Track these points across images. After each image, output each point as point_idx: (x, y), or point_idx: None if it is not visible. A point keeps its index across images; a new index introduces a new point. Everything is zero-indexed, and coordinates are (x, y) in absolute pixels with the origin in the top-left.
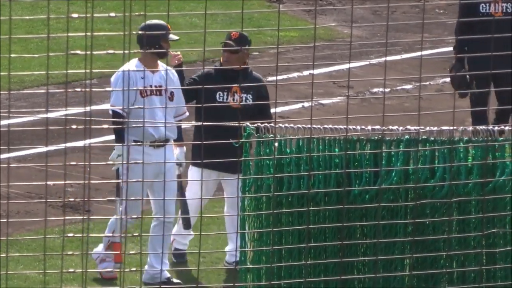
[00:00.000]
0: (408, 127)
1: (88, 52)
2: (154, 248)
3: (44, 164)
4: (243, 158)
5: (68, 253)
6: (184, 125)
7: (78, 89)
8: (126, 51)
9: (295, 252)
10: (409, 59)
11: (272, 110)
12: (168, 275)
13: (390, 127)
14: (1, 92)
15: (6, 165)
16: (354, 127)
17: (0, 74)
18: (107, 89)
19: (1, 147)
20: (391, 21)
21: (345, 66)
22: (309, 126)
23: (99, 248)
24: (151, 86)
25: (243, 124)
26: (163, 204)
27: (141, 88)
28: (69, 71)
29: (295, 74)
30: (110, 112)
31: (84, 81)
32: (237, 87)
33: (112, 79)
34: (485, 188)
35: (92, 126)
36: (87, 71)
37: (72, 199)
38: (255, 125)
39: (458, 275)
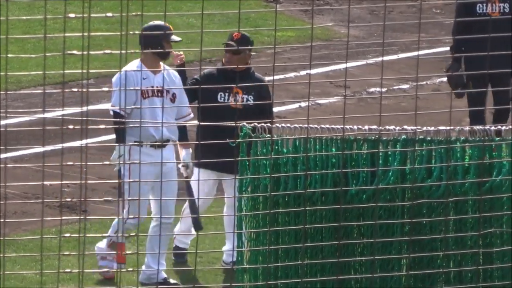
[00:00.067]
0: (405, 127)
1: (85, 52)
2: (152, 248)
3: (41, 164)
4: (240, 158)
5: (65, 253)
6: (185, 125)
7: (75, 89)
8: (123, 51)
9: (292, 252)
10: (406, 58)
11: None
12: (165, 275)
13: (387, 127)
14: None
15: (2, 165)
16: (351, 126)
17: None
18: (104, 89)
19: None
20: (388, 21)
21: (342, 66)
22: (306, 126)
23: (103, 245)
24: (152, 87)
25: (241, 124)
26: (164, 205)
27: (142, 88)
28: (66, 71)
29: (292, 74)
30: (111, 112)
31: (81, 81)
32: (239, 88)
33: (114, 79)
34: (482, 187)
35: (89, 126)
36: (84, 71)
37: (68, 199)
38: (252, 125)
39: (455, 275)
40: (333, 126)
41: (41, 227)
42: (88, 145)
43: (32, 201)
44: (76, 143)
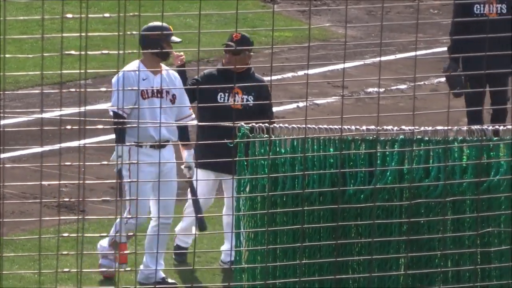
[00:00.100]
0: (403, 127)
1: (83, 53)
2: (151, 248)
3: (39, 164)
4: (238, 158)
5: (63, 253)
6: (186, 126)
7: (73, 90)
8: (121, 52)
9: (290, 252)
10: (403, 59)
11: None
12: (163, 275)
13: (385, 127)
14: None
15: (1, 165)
16: (348, 127)
17: None
18: (102, 89)
19: None
20: (385, 21)
21: (340, 66)
22: (304, 126)
23: (105, 243)
24: (152, 88)
25: (239, 125)
26: (163, 205)
27: (142, 89)
28: (63, 72)
29: (290, 74)
30: (111, 113)
31: (79, 81)
32: (239, 89)
33: (113, 80)
34: (480, 187)
35: (87, 127)
36: (82, 71)
37: (67, 199)
38: (250, 125)
39: (452, 275)
40: (331, 126)
41: (39, 227)
42: (86, 145)
43: (30, 201)
44: (74, 143)
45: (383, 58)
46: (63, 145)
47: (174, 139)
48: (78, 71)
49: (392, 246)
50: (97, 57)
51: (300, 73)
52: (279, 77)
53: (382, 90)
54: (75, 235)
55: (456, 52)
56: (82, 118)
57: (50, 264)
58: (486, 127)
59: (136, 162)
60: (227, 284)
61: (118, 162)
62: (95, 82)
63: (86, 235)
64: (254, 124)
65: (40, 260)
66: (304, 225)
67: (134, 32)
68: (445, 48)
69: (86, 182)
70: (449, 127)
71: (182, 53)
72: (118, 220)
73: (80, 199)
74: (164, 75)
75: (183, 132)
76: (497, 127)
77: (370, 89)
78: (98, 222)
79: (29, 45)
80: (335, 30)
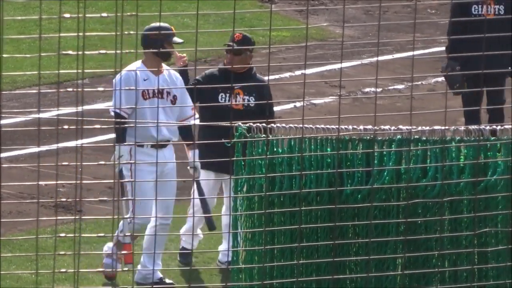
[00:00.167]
0: (400, 126)
1: (80, 52)
2: (149, 248)
3: (36, 164)
4: (235, 158)
5: (60, 253)
6: (190, 126)
7: (70, 89)
8: (118, 51)
9: (287, 252)
10: (401, 58)
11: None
12: (161, 275)
13: (382, 126)
14: None
15: None
16: (346, 126)
17: None
18: (99, 89)
19: None
20: (383, 21)
21: (337, 66)
22: (301, 126)
23: (111, 243)
24: (153, 88)
25: (236, 125)
26: (164, 205)
27: (143, 89)
28: (61, 71)
29: (287, 74)
30: (112, 113)
31: (76, 81)
32: (240, 89)
33: (114, 80)
34: (477, 187)
35: (84, 126)
36: (79, 71)
37: (64, 199)
38: (247, 125)
39: (450, 275)
40: (328, 126)
41: (36, 227)
42: (83, 145)
43: (27, 201)
44: (71, 143)
45: (381, 58)
46: (61, 145)
47: (175, 139)
48: (75, 71)
49: (390, 246)
50: (95, 57)
51: (298, 72)
52: (276, 76)
53: (379, 90)
54: (72, 235)
55: (454, 52)
56: (79, 118)
57: (47, 264)
58: (483, 127)
59: (136, 162)
60: (224, 284)
61: (118, 162)
62: (92, 82)
63: (83, 235)
64: (251, 124)
65: (37, 260)
66: (301, 225)
67: (131, 32)
68: (443, 48)
69: (83, 182)
70: (447, 127)
71: (184, 55)
72: (125, 225)
73: (77, 199)
74: (165, 75)
75: (187, 132)
76: (494, 127)
77: (367, 89)
78: (95, 222)
79: (27, 45)
80: (333, 30)
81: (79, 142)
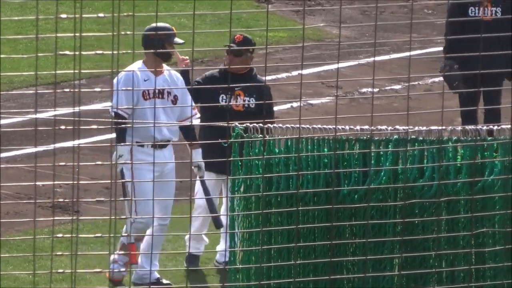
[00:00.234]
0: (397, 127)
1: (77, 53)
2: (147, 249)
3: (33, 165)
4: (232, 159)
5: (58, 253)
6: (193, 126)
7: (67, 90)
8: (115, 52)
9: (285, 252)
10: (397, 59)
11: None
12: (158, 275)
13: (379, 127)
14: None
15: None
16: (343, 127)
17: None
18: (96, 89)
19: None
20: (379, 21)
21: (334, 66)
22: (298, 126)
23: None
24: (154, 88)
25: (233, 125)
26: (164, 205)
27: (143, 89)
28: (58, 72)
29: (284, 75)
30: (112, 113)
31: (73, 82)
32: (240, 90)
33: (115, 80)
34: (474, 187)
35: (81, 127)
36: (76, 71)
37: (61, 200)
38: (244, 125)
39: (447, 275)
40: (325, 126)
41: (33, 227)
42: (80, 145)
43: (24, 201)
44: (68, 144)
45: (377, 58)
46: (57, 145)
47: (175, 139)
48: (72, 71)
49: (387, 247)
50: (91, 57)
51: (294, 73)
52: (273, 77)
53: (376, 90)
54: (69, 235)
55: (452, 53)
56: (76, 118)
57: (45, 265)
58: (480, 127)
59: (136, 161)
60: (222, 284)
61: (119, 162)
62: (89, 82)
63: (80, 235)
64: (251, 124)
65: (34, 261)
66: (298, 225)
67: (128, 32)
68: (439, 48)
69: (81, 182)
70: (443, 127)
71: (187, 57)
72: (127, 224)
73: (75, 200)
74: (166, 75)
75: (189, 132)
76: (491, 127)
77: (364, 89)
78: (93, 223)
79: (24, 45)
80: (329, 30)
81: (76, 142)
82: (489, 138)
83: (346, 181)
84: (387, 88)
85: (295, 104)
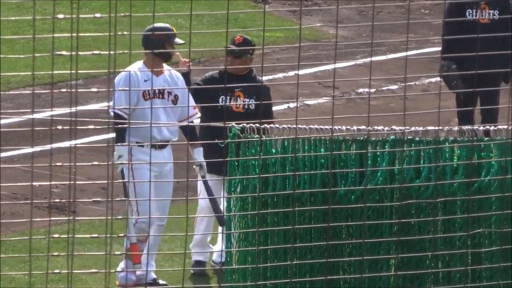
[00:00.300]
0: (394, 127)
1: (74, 53)
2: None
3: (30, 165)
4: (228, 159)
5: (54, 254)
6: (193, 125)
7: (64, 90)
8: (112, 52)
9: (281, 252)
10: (394, 59)
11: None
12: (154, 276)
13: (376, 127)
14: None
15: None
16: (339, 127)
17: None
18: (93, 89)
19: None
20: (376, 21)
21: (331, 67)
22: (295, 126)
23: (123, 263)
24: (154, 89)
25: (230, 125)
26: (162, 206)
27: (143, 90)
28: (54, 72)
29: (281, 75)
30: (112, 113)
31: (70, 82)
32: (240, 92)
33: (115, 80)
34: (471, 188)
35: (78, 127)
36: (73, 72)
37: (57, 200)
38: (241, 125)
39: (443, 275)
40: (321, 126)
41: (30, 228)
42: (77, 145)
43: (21, 202)
44: (65, 144)
45: (374, 59)
46: (54, 145)
47: (174, 139)
48: (69, 71)
49: (383, 247)
50: (88, 57)
51: (291, 73)
52: (270, 77)
53: (373, 90)
54: (65, 236)
55: (449, 54)
56: (73, 119)
57: (41, 265)
58: (477, 127)
59: (136, 161)
60: (218, 285)
61: (119, 162)
62: (86, 82)
63: (77, 236)
64: (248, 125)
65: (30, 261)
66: (295, 225)
67: (125, 33)
68: (436, 48)
69: (77, 182)
70: (440, 128)
71: (188, 59)
72: (130, 225)
73: (71, 200)
74: (166, 75)
75: (191, 132)
76: (488, 127)
77: (361, 90)
78: (89, 223)
79: (21, 45)
80: (326, 30)
81: (73, 142)
82: (486, 139)
83: (342, 181)
84: (383, 88)
85: (291, 105)
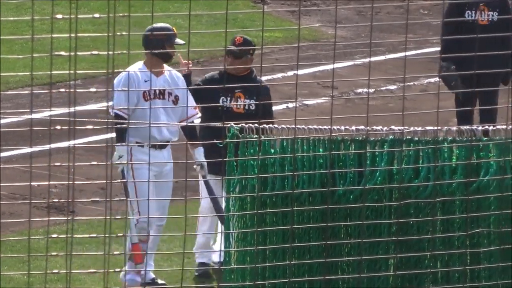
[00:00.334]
0: (392, 127)
1: (72, 53)
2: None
3: (28, 165)
4: (227, 159)
5: (53, 254)
6: (194, 125)
7: (63, 90)
8: (111, 52)
9: (280, 252)
10: (393, 59)
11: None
12: (153, 276)
13: (374, 127)
14: None
15: None
16: (338, 127)
17: None
18: (92, 89)
19: None
20: (375, 21)
21: (330, 67)
22: (294, 126)
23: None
24: (154, 89)
25: (229, 125)
26: (161, 206)
27: (144, 90)
28: (53, 72)
29: (280, 75)
30: (112, 114)
31: (68, 82)
32: (241, 93)
33: (115, 81)
34: (469, 188)
35: (77, 127)
36: (71, 72)
37: (56, 200)
38: (240, 125)
39: (442, 275)
40: (320, 126)
41: (28, 228)
42: (76, 145)
43: (19, 202)
44: (64, 144)
45: (373, 59)
46: (53, 145)
47: (174, 139)
48: (68, 71)
49: (382, 247)
50: (87, 57)
51: (290, 73)
52: (269, 77)
53: (372, 90)
54: (64, 236)
55: (448, 57)
56: (71, 119)
57: (39, 265)
58: (475, 127)
59: (135, 161)
60: (217, 284)
61: (119, 162)
62: (84, 82)
63: (75, 236)
64: (247, 125)
65: (29, 261)
66: (293, 225)
67: (124, 33)
68: (435, 49)
69: (76, 182)
70: (439, 128)
71: (190, 62)
72: (132, 225)
73: (70, 200)
74: (166, 76)
75: (191, 132)
76: (486, 127)
77: (360, 90)
78: (88, 223)
79: (19, 45)
80: (325, 31)
81: (71, 142)
82: (485, 139)
83: (341, 181)
84: (382, 88)
85: (290, 105)
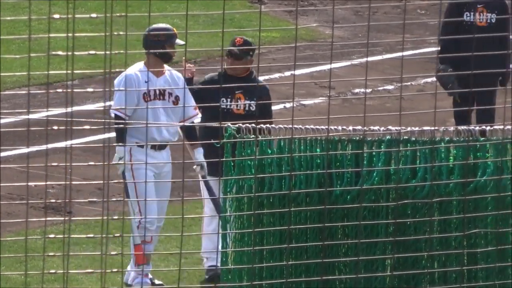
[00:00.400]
0: (390, 127)
1: (70, 53)
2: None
3: (25, 165)
4: (224, 159)
5: (50, 254)
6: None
7: (60, 90)
8: (108, 52)
9: (277, 253)
10: (390, 59)
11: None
12: (150, 276)
13: (372, 127)
14: None
15: None
16: (335, 127)
17: None
18: (89, 89)
19: None
20: (372, 21)
21: (327, 67)
22: (291, 126)
23: (129, 267)
24: (154, 90)
25: (226, 125)
26: (160, 206)
27: (144, 91)
28: (50, 72)
29: (277, 75)
30: (112, 115)
31: (66, 82)
32: (241, 94)
33: (116, 81)
34: (467, 188)
35: (74, 127)
36: (69, 72)
37: (53, 200)
38: (237, 125)
39: (439, 276)
40: (317, 126)
41: (25, 228)
42: (73, 146)
43: (16, 202)
44: (61, 144)
45: (370, 59)
46: (50, 145)
47: (174, 140)
48: (65, 71)
49: (379, 247)
50: (84, 57)
51: (287, 73)
52: (266, 77)
53: (369, 90)
54: (61, 236)
55: (446, 58)
56: (69, 119)
57: (37, 265)
58: (473, 127)
59: (135, 162)
60: (214, 285)
61: (118, 162)
62: (82, 82)
63: (72, 236)
64: (244, 125)
65: (26, 262)
66: (290, 226)
67: (121, 33)
68: (432, 49)
69: (73, 183)
70: (436, 128)
71: (193, 66)
72: (132, 225)
73: (67, 200)
74: (167, 76)
75: (191, 132)
76: (484, 127)
77: (357, 90)
78: (85, 223)
79: (16, 45)
80: (322, 31)
81: (68, 143)
82: (482, 139)
83: (338, 181)
84: (379, 88)
85: (287, 105)
